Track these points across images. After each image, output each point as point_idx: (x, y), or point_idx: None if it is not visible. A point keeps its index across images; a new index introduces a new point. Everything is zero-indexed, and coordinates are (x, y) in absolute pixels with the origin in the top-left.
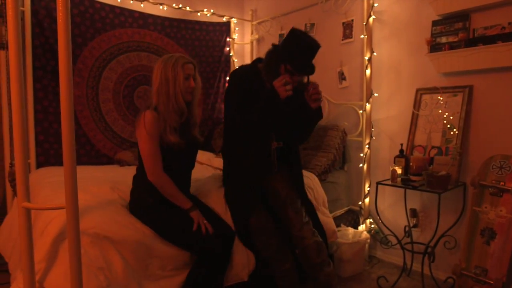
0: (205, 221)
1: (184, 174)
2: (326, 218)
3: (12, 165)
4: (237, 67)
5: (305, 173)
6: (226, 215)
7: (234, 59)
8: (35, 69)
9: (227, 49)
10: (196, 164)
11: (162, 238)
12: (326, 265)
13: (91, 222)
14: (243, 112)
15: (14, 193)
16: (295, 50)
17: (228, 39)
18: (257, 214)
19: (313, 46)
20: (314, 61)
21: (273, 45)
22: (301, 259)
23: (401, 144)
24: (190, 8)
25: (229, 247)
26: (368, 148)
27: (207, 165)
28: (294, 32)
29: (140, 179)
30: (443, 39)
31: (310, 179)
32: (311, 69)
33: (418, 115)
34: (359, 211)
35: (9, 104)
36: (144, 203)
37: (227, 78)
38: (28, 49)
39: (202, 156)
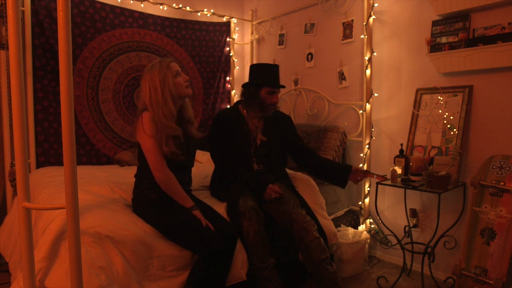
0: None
1: (183, 172)
2: (326, 221)
3: (12, 165)
4: (220, 110)
5: (302, 176)
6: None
7: (234, 59)
8: (35, 69)
9: (227, 49)
10: (197, 163)
11: (164, 236)
12: (330, 264)
13: (93, 222)
14: (223, 154)
15: (15, 193)
16: (264, 74)
17: (228, 39)
18: (244, 197)
19: (273, 66)
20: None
21: (243, 85)
22: (304, 257)
23: (401, 144)
24: (190, 8)
25: (232, 247)
26: (368, 148)
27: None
28: (253, 65)
29: (142, 176)
30: (443, 39)
31: (307, 183)
32: (280, 84)
33: (418, 115)
34: (359, 211)
35: (9, 104)
36: (147, 199)
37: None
38: (28, 49)
39: (202, 156)
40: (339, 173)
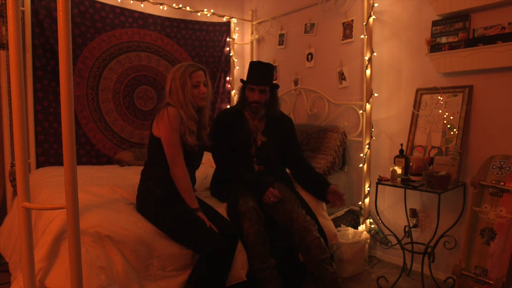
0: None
1: (190, 172)
2: (326, 221)
3: (13, 165)
4: (221, 110)
5: None
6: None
7: (234, 59)
8: (35, 69)
9: (227, 49)
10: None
11: (165, 235)
12: (330, 264)
13: (93, 222)
14: (224, 154)
15: (15, 193)
16: (249, 71)
17: (228, 39)
18: (245, 197)
19: (262, 64)
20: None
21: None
22: (304, 257)
23: (401, 144)
24: (190, 8)
25: (233, 247)
26: (368, 148)
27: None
28: (250, 62)
29: (149, 172)
30: (443, 39)
31: None
32: (263, 81)
33: (418, 115)
34: (359, 211)
35: (9, 104)
36: (152, 195)
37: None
38: (28, 49)
39: (202, 156)
40: (318, 192)
